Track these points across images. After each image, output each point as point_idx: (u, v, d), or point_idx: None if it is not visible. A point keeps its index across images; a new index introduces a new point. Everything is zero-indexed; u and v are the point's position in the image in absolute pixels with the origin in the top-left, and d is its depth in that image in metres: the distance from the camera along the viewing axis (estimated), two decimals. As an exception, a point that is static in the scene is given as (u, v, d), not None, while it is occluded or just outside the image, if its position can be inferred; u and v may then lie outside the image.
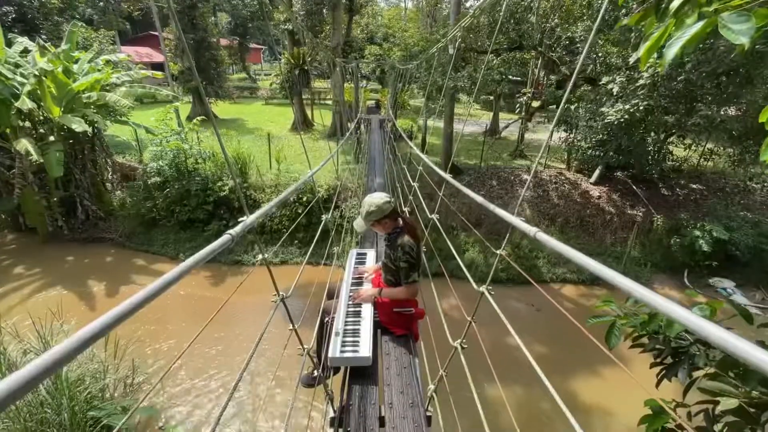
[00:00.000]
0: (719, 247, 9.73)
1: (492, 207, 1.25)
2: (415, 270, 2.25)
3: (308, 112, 20.21)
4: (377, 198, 2.29)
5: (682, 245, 10.07)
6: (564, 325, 8.13)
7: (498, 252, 1.24)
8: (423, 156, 2.73)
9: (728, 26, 0.90)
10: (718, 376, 1.52)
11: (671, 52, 0.98)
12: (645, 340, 1.80)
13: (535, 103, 14.00)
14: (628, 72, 8.06)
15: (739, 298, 9.17)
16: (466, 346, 1.39)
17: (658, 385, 1.72)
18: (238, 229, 0.81)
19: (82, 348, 0.42)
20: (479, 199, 1.36)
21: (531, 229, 1.00)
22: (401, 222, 2.36)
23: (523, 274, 1.71)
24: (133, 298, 0.52)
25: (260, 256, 1.15)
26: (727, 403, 1.28)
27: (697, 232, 9.78)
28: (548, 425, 5.79)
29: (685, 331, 1.56)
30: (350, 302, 2.43)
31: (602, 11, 1.13)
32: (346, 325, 2.27)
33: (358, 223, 2.35)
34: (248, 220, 0.88)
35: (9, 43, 10.04)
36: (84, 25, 17.69)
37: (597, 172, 12.60)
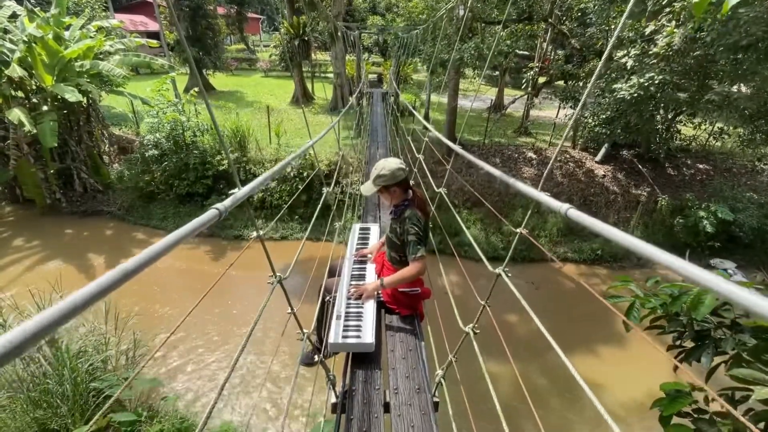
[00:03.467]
0: (723, 228, 9.68)
1: (512, 181, 1.13)
2: (423, 244, 2.08)
3: (308, 85, 19.70)
4: (391, 162, 2.13)
5: (685, 225, 10.01)
6: (561, 303, 8.18)
7: (518, 231, 1.13)
8: (430, 127, 2.57)
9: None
10: (741, 361, 1.44)
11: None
12: (663, 322, 1.72)
13: (542, 79, 13.59)
14: (642, 45, 7.73)
15: (740, 279, 9.17)
16: (478, 331, 1.30)
17: (680, 365, 1.66)
18: (227, 202, 0.70)
19: (72, 314, 0.39)
20: (497, 172, 1.24)
21: (561, 206, 0.88)
22: (411, 194, 2.20)
23: (547, 253, 1.61)
24: (119, 268, 0.46)
25: (255, 233, 1.04)
26: (762, 392, 1.20)
27: (702, 213, 9.69)
28: (546, 402, 5.88)
29: (711, 314, 1.48)
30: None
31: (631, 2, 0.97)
32: (348, 307, 2.16)
33: (366, 187, 2.20)
34: (239, 192, 0.77)
35: (-4, 7, 9.61)
36: (74, -11, 16.92)
37: (603, 151, 12.37)
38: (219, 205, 0.66)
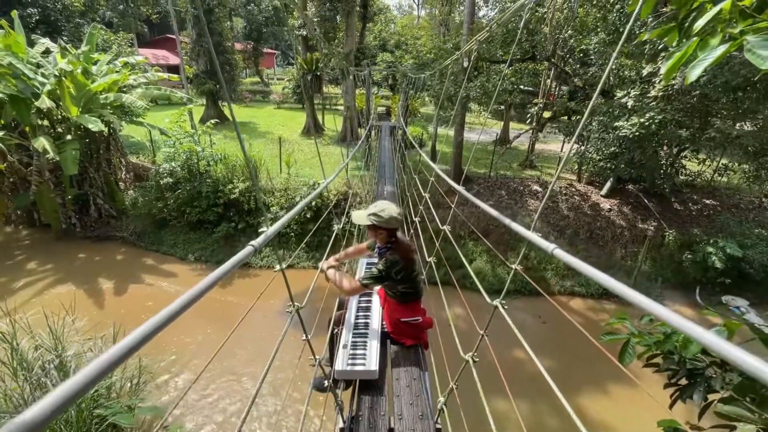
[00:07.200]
0: (733, 265, 9.55)
1: (507, 221, 1.25)
2: (377, 283, 2.22)
3: (319, 117, 20.40)
4: (392, 208, 2.22)
5: (694, 261, 9.90)
6: (570, 338, 8.02)
7: (513, 267, 1.24)
8: (435, 167, 2.73)
9: (754, 50, 0.89)
10: (733, 400, 1.49)
11: (695, 73, 0.98)
12: (659, 360, 1.77)
13: (546, 114, 13.96)
14: (642, 85, 8.01)
15: (753, 317, 8.97)
16: (477, 359, 1.38)
17: (672, 406, 1.69)
18: (260, 240, 0.83)
19: (106, 372, 0.43)
20: (495, 213, 1.36)
21: (548, 246, 1.00)
22: (394, 240, 2.30)
23: (539, 290, 1.70)
24: (162, 313, 0.53)
25: (278, 267, 1.17)
26: (745, 429, 1.25)
27: (710, 249, 9.61)
28: (554, 441, 5.70)
29: (701, 353, 1.54)
30: (356, 318, 2.40)
31: (625, 35, 1.13)
32: (353, 337, 2.27)
33: (359, 215, 2.29)
34: (269, 231, 0.90)
35: (31, 44, 10.31)
36: (104, 27, 18.10)
37: (608, 185, 12.49)
38: (254, 242, 0.79)
